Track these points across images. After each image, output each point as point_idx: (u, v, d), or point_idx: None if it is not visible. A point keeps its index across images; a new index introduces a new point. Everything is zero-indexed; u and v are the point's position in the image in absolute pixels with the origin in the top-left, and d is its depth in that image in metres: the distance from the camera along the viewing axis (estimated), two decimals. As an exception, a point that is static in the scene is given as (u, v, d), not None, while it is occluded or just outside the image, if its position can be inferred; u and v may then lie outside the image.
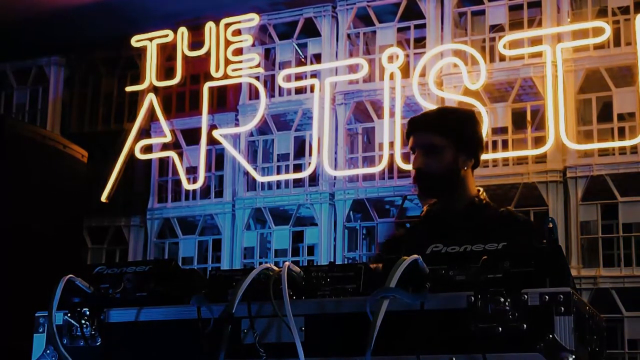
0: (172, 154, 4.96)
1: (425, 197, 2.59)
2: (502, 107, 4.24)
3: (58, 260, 3.64)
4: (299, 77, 4.81)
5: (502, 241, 1.55)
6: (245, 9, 4.90)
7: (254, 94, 4.83)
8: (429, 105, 4.29)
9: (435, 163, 2.50)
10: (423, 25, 4.51)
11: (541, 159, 4.10)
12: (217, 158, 4.93)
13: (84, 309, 1.86)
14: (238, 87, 4.89)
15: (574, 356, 1.43)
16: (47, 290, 1.84)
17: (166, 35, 5.08)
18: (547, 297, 1.47)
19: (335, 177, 4.50)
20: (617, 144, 3.97)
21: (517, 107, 4.24)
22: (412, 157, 2.60)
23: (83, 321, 1.86)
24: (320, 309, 1.65)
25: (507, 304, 1.48)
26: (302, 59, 4.93)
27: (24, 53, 5.48)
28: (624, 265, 3.83)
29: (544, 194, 4.02)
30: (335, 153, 4.54)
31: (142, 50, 5.17)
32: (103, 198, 4.95)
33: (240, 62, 4.85)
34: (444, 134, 2.51)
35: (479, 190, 2.63)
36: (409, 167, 4.28)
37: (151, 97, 5.01)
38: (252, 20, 4.85)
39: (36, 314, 1.92)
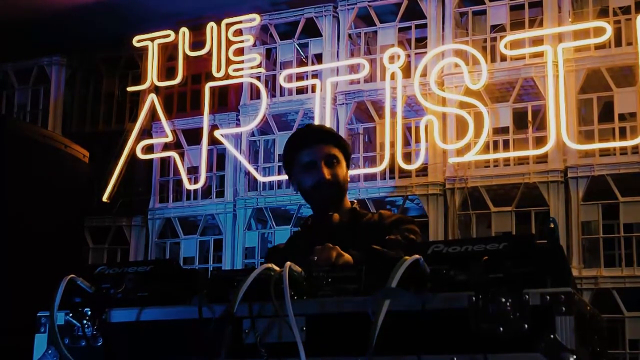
0: (173, 154, 4.96)
1: (326, 206, 2.62)
2: (503, 107, 4.24)
3: (59, 260, 3.64)
4: (300, 77, 4.82)
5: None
6: (246, 9, 4.91)
7: (255, 94, 4.84)
8: (430, 106, 4.30)
9: (338, 173, 2.62)
10: (424, 25, 4.51)
11: (542, 159, 4.10)
12: (219, 158, 4.93)
13: (86, 309, 1.86)
14: (239, 87, 4.90)
15: (575, 356, 1.43)
16: (49, 290, 1.84)
17: (167, 35, 5.09)
18: (548, 297, 1.47)
19: (336, 177, 4.49)
20: (618, 144, 3.97)
21: (518, 107, 4.24)
22: (302, 171, 2.65)
23: (84, 321, 1.86)
24: (321, 308, 1.65)
25: (508, 304, 1.48)
26: (303, 59, 4.93)
27: (26, 53, 5.49)
28: (625, 265, 3.83)
29: (545, 194, 4.02)
30: (337, 153, 4.53)
31: (143, 50, 5.18)
32: (104, 198, 4.96)
33: (242, 62, 4.86)
34: (340, 148, 2.65)
35: (352, 202, 2.73)
36: (410, 167, 4.29)
37: (152, 97, 5.02)
38: (253, 20, 4.85)
39: (38, 314, 1.92)
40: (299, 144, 2.66)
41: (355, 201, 2.75)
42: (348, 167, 2.70)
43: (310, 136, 2.69)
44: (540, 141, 4.14)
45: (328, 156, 2.60)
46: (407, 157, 4.38)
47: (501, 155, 4.18)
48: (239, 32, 4.91)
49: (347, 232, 2.54)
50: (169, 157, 5.00)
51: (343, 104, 4.57)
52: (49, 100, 5.42)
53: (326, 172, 2.58)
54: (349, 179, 2.71)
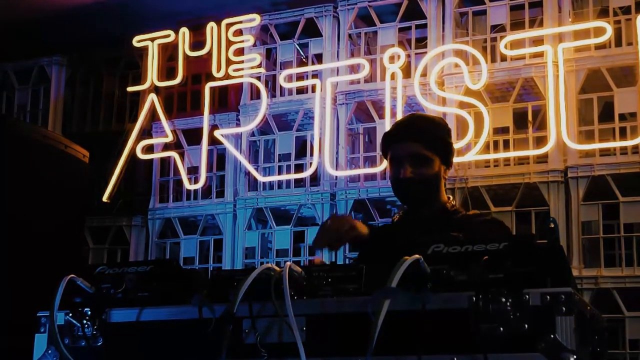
0: (173, 154, 4.96)
1: (410, 203, 2.62)
2: (503, 107, 4.24)
3: (59, 260, 3.64)
4: (300, 77, 4.82)
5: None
6: (246, 9, 4.90)
7: (255, 94, 4.83)
8: (430, 105, 4.30)
9: (424, 172, 2.57)
10: (424, 25, 4.51)
11: (542, 159, 4.10)
12: (219, 158, 4.93)
13: (86, 309, 1.87)
14: (239, 87, 4.89)
15: (575, 356, 1.43)
16: (49, 290, 1.84)
17: (167, 36, 5.09)
18: (548, 297, 1.47)
19: (336, 177, 4.50)
20: (618, 144, 3.96)
21: (519, 107, 4.24)
22: (390, 165, 2.65)
23: (84, 321, 1.86)
24: (321, 309, 1.65)
25: (508, 304, 1.48)
26: (304, 59, 4.93)
27: (26, 53, 5.49)
28: (625, 265, 3.83)
29: (545, 194, 4.02)
30: (337, 153, 4.54)
31: (143, 51, 5.18)
32: (104, 198, 4.96)
33: (242, 62, 4.85)
34: (432, 147, 2.59)
35: (449, 197, 2.71)
36: (410, 167, 4.28)
37: (152, 97, 5.02)
38: (253, 20, 4.85)
39: (38, 314, 1.92)
40: (392, 138, 2.65)
41: (453, 199, 2.71)
42: (448, 164, 2.64)
43: (403, 132, 2.64)
44: (540, 141, 4.14)
45: (414, 155, 2.56)
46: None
47: (501, 155, 4.18)
48: (239, 32, 4.91)
49: (435, 227, 2.50)
50: (169, 157, 5.00)
51: (343, 104, 4.57)
52: (49, 100, 5.42)
53: (408, 171, 2.54)
54: (445, 177, 2.65)
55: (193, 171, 4.91)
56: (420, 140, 2.58)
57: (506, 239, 1.57)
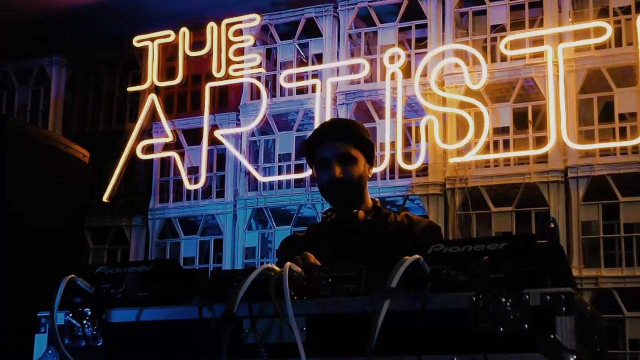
0: (173, 154, 4.96)
1: (340, 205, 2.63)
2: (503, 107, 4.24)
3: (59, 260, 3.64)
4: (300, 77, 4.82)
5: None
6: (246, 9, 4.91)
7: (255, 94, 4.84)
8: (430, 105, 4.30)
9: (352, 172, 2.60)
10: (424, 25, 4.51)
11: (542, 159, 4.10)
12: (219, 158, 4.94)
13: (86, 309, 1.86)
14: (239, 87, 4.90)
15: (575, 356, 1.43)
16: (49, 290, 1.84)
17: (168, 36, 5.09)
18: (548, 297, 1.47)
19: (336, 177, 4.49)
20: (618, 144, 3.97)
21: (519, 107, 4.24)
22: (317, 168, 2.65)
23: (84, 321, 1.86)
24: (321, 309, 1.65)
25: (508, 304, 1.48)
26: (304, 59, 4.93)
27: (26, 53, 5.49)
28: (625, 265, 3.83)
29: (545, 194, 4.02)
30: (337, 153, 4.53)
31: (143, 51, 5.18)
32: (105, 198, 4.96)
33: (242, 62, 4.86)
34: (357, 145, 2.63)
35: (374, 200, 2.73)
36: (410, 167, 4.29)
37: (153, 97, 5.02)
38: (253, 20, 4.85)
39: (38, 314, 1.92)
40: (318, 139, 2.67)
41: (377, 199, 2.74)
42: (371, 164, 2.68)
43: (328, 132, 2.67)
44: (540, 141, 4.14)
45: (342, 155, 2.59)
46: (408, 157, 4.38)
47: (501, 155, 4.18)
48: (239, 32, 4.91)
49: (371, 230, 2.55)
50: (169, 157, 5.00)
51: (343, 104, 4.57)
52: (49, 100, 5.42)
53: (337, 171, 2.57)
54: (369, 177, 2.69)
55: (193, 171, 4.91)
56: (345, 139, 2.61)
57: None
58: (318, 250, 2.36)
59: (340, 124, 2.78)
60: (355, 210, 2.59)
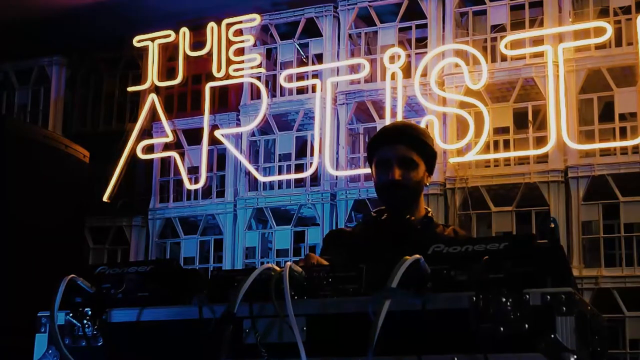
0: (173, 154, 4.96)
1: (394, 208, 2.62)
2: (503, 107, 4.24)
3: (60, 260, 3.64)
4: (300, 77, 4.82)
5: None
6: (246, 9, 4.90)
7: (255, 94, 4.84)
8: (430, 105, 4.30)
9: (411, 176, 2.59)
10: (424, 25, 4.51)
11: (543, 159, 4.10)
12: (219, 158, 4.93)
13: (86, 309, 1.87)
14: (240, 87, 4.89)
15: (575, 356, 1.43)
16: (49, 290, 1.84)
17: (168, 36, 5.09)
18: (548, 297, 1.47)
19: (336, 177, 4.50)
20: (618, 144, 3.96)
21: (519, 107, 4.24)
22: (376, 169, 2.66)
23: (85, 321, 1.86)
24: (321, 309, 1.65)
25: (508, 304, 1.48)
26: (304, 59, 4.93)
27: (26, 53, 5.49)
28: (626, 265, 3.83)
29: (545, 194, 4.02)
30: (337, 153, 4.54)
31: (143, 51, 5.18)
32: (105, 198, 4.96)
33: (242, 62, 4.85)
34: (419, 150, 2.62)
35: (427, 210, 2.72)
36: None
37: (153, 97, 5.02)
38: (253, 20, 4.85)
39: (38, 314, 1.92)
40: (380, 141, 2.67)
41: (431, 210, 2.73)
42: (430, 172, 2.67)
43: (393, 134, 2.67)
44: (540, 141, 4.14)
45: (403, 158, 2.58)
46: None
47: (501, 155, 4.18)
48: (239, 32, 4.91)
49: (420, 238, 2.52)
50: (170, 157, 5.00)
51: (343, 104, 4.57)
52: (49, 101, 5.42)
53: (397, 173, 2.56)
54: (426, 184, 2.68)
55: (193, 171, 4.91)
56: (409, 143, 2.61)
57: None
58: (363, 248, 2.35)
59: (406, 128, 2.74)
60: (408, 216, 2.58)
